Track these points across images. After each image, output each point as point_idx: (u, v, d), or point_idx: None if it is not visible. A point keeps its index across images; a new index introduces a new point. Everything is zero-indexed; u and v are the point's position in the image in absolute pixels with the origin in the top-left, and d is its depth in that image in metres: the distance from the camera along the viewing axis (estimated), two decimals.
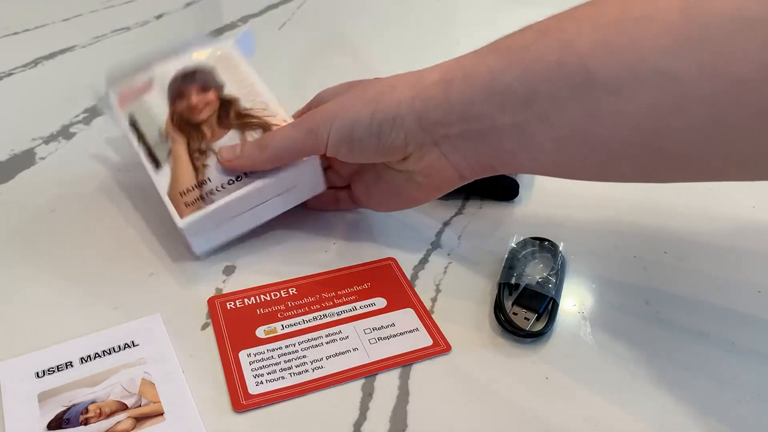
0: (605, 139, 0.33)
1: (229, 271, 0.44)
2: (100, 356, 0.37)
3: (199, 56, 0.50)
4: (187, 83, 0.49)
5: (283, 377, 0.36)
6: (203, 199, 0.42)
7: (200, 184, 0.43)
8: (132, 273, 0.44)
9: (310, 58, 0.77)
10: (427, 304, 0.42)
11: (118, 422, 0.34)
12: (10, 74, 0.72)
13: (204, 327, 0.40)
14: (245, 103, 0.47)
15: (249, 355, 0.38)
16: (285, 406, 0.35)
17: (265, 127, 0.45)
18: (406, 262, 0.45)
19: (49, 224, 0.49)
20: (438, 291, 0.43)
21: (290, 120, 0.46)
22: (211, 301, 0.41)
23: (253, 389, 0.36)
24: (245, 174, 0.43)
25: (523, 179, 0.53)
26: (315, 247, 0.46)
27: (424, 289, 0.43)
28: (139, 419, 0.34)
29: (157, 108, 0.47)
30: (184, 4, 0.91)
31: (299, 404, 0.35)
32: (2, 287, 0.43)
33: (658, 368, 0.37)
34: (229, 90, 0.48)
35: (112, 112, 0.50)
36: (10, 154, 0.58)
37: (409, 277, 0.44)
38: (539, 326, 0.39)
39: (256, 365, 0.37)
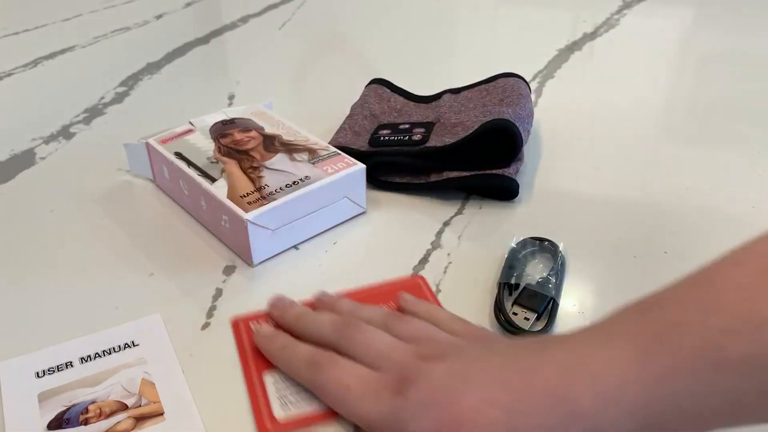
0: None
1: (229, 271, 0.44)
2: (100, 356, 0.37)
3: (233, 111, 0.55)
4: (229, 127, 0.52)
5: (309, 399, 0.35)
6: (265, 199, 0.44)
7: (259, 189, 0.45)
8: (132, 273, 0.44)
9: (311, 58, 0.77)
10: None
11: (118, 422, 0.33)
12: (10, 74, 0.72)
13: (204, 327, 0.40)
14: (287, 137, 0.51)
15: (274, 377, 0.36)
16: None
17: (311, 151, 0.49)
18: (406, 262, 0.45)
19: (49, 224, 0.49)
20: (438, 291, 0.43)
21: (332, 149, 0.49)
22: (235, 323, 0.40)
23: (278, 413, 0.34)
24: (300, 179, 0.46)
25: (523, 179, 0.53)
26: (315, 246, 0.47)
27: None
28: (139, 419, 0.34)
29: (201, 144, 0.50)
30: (184, 4, 0.91)
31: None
32: (2, 287, 0.43)
33: None
34: (270, 130, 0.52)
35: (138, 153, 0.52)
36: (10, 154, 0.58)
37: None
38: (539, 326, 0.39)
39: (281, 386, 0.36)
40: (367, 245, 0.47)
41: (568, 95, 0.67)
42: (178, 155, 0.49)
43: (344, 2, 0.93)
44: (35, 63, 0.74)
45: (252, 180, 0.46)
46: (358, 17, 0.89)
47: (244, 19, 0.86)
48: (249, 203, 0.44)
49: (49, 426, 0.33)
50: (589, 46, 0.78)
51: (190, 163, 0.48)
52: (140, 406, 0.34)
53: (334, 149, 0.49)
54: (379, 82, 0.62)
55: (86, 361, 0.37)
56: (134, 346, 0.38)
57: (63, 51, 0.77)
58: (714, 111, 0.65)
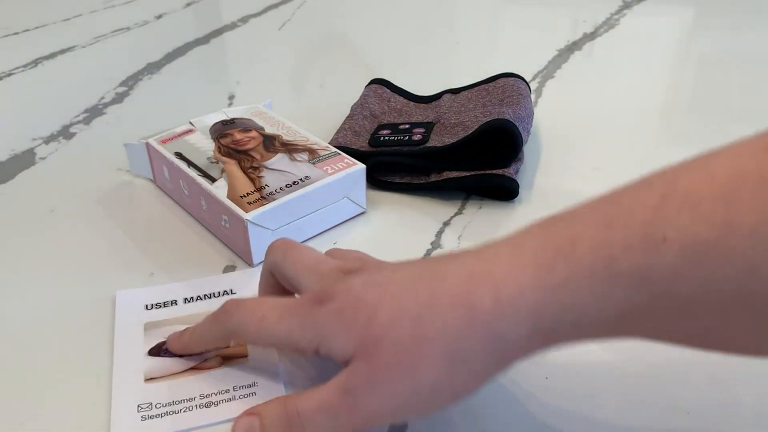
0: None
1: (228, 271, 0.44)
2: (201, 299, 0.42)
3: (233, 111, 0.55)
4: (229, 127, 0.52)
5: None
6: (265, 199, 0.44)
7: (259, 189, 0.45)
8: (132, 273, 0.44)
9: (310, 58, 0.77)
10: None
11: (207, 359, 0.37)
12: (10, 74, 0.72)
13: None
14: (287, 137, 0.51)
15: None
16: None
17: (311, 151, 0.49)
18: None
19: (49, 224, 0.49)
20: None
21: (332, 149, 0.49)
22: None
23: None
24: (300, 179, 0.46)
25: (523, 179, 0.53)
26: (315, 246, 0.46)
27: None
28: (226, 358, 0.37)
29: (201, 144, 0.50)
30: (184, 4, 0.91)
31: None
32: (2, 287, 0.43)
33: (658, 368, 0.37)
34: (270, 130, 0.52)
35: (138, 153, 0.53)
36: (10, 154, 0.58)
37: None
38: None
39: None
40: (367, 245, 0.47)
41: (568, 95, 0.67)
42: (179, 155, 0.49)
43: (344, 2, 0.93)
44: (35, 63, 0.74)
45: (252, 180, 0.46)
46: (358, 17, 0.89)
47: (244, 19, 0.86)
48: (249, 203, 0.44)
49: (150, 352, 0.38)
50: (589, 46, 0.78)
51: (190, 163, 0.48)
52: (228, 347, 0.38)
53: (334, 149, 0.49)
54: (379, 82, 0.62)
55: (189, 301, 0.41)
56: (231, 293, 0.42)
57: (63, 51, 0.77)
58: (714, 111, 0.65)
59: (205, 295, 0.42)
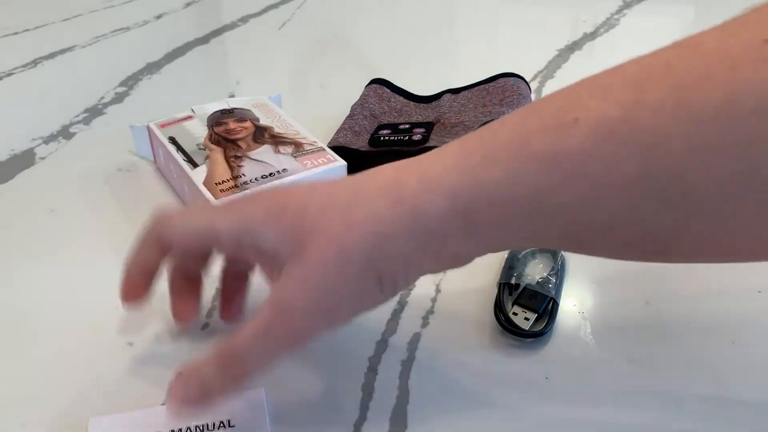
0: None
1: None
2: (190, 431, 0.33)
3: (235, 101, 0.55)
4: (226, 117, 0.53)
5: None
6: (238, 187, 0.45)
7: (235, 177, 0.45)
8: None
9: (310, 58, 0.77)
10: (427, 304, 0.42)
11: None
12: (10, 74, 0.72)
13: (203, 327, 0.40)
14: (278, 130, 0.51)
15: None
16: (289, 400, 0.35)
17: (297, 145, 0.49)
18: None
19: (49, 224, 0.49)
20: (438, 291, 0.43)
21: (320, 144, 0.49)
22: None
23: None
24: (278, 171, 0.46)
25: None
26: None
27: (424, 290, 0.43)
28: None
29: (196, 130, 0.51)
30: (184, 4, 0.91)
31: (301, 402, 0.35)
32: (2, 288, 0.43)
33: (658, 368, 0.37)
34: (264, 122, 0.52)
35: (141, 136, 0.54)
36: (10, 154, 0.58)
37: None
38: (539, 326, 0.39)
39: None
40: None
41: None
42: (171, 140, 0.50)
43: (344, 2, 0.93)
44: (35, 63, 0.74)
45: (231, 168, 0.46)
46: (358, 17, 0.89)
47: (244, 19, 0.86)
48: (221, 190, 0.44)
49: None
50: (589, 46, 0.78)
51: (179, 148, 0.49)
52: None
53: (320, 145, 0.49)
54: (379, 82, 0.62)
55: None
56: (230, 426, 0.33)
57: (63, 51, 0.77)
58: None
59: (196, 427, 0.32)
